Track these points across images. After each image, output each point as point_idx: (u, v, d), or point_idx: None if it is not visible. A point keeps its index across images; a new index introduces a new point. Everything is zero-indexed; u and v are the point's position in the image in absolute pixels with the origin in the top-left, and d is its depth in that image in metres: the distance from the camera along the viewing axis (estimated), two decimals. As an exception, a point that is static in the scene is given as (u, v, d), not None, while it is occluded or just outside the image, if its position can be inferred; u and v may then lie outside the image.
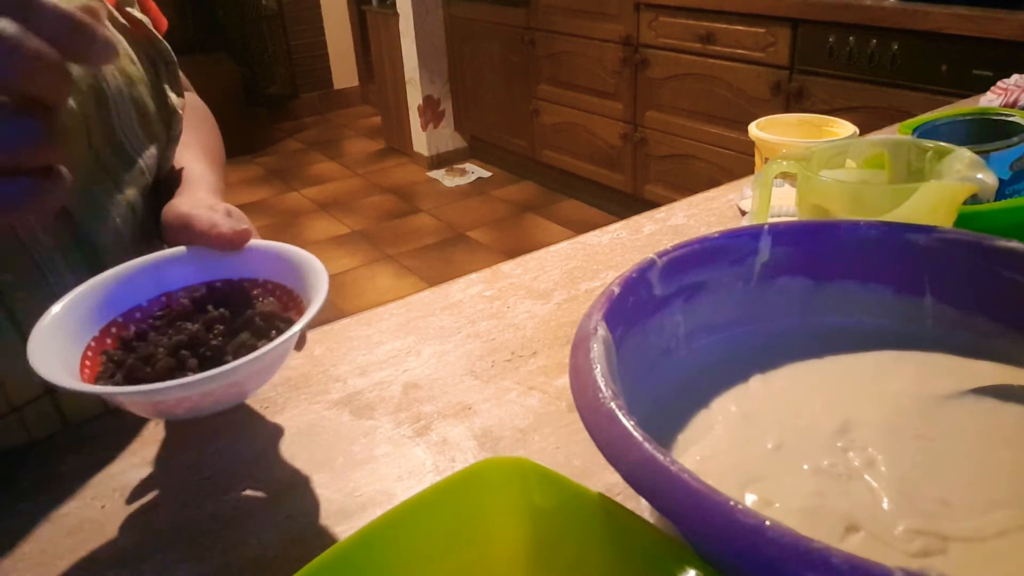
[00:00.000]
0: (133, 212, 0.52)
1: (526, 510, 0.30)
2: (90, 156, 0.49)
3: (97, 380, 0.38)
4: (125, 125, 0.52)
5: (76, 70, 0.47)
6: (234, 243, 0.44)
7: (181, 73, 0.65)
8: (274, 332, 0.40)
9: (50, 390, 0.50)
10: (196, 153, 0.60)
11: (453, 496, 0.30)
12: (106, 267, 0.50)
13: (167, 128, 0.56)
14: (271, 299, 0.43)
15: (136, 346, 0.40)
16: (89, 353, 0.40)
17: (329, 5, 4.52)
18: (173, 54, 0.56)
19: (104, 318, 0.42)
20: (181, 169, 0.56)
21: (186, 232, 0.45)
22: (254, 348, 0.39)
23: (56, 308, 0.40)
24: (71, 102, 0.47)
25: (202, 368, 0.38)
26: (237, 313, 0.42)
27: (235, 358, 0.37)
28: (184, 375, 0.37)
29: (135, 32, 0.54)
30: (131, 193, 0.52)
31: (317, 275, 0.41)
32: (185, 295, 0.44)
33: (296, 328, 0.37)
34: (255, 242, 0.45)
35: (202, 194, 0.51)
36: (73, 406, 0.52)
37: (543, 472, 0.30)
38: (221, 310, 0.42)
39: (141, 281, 0.44)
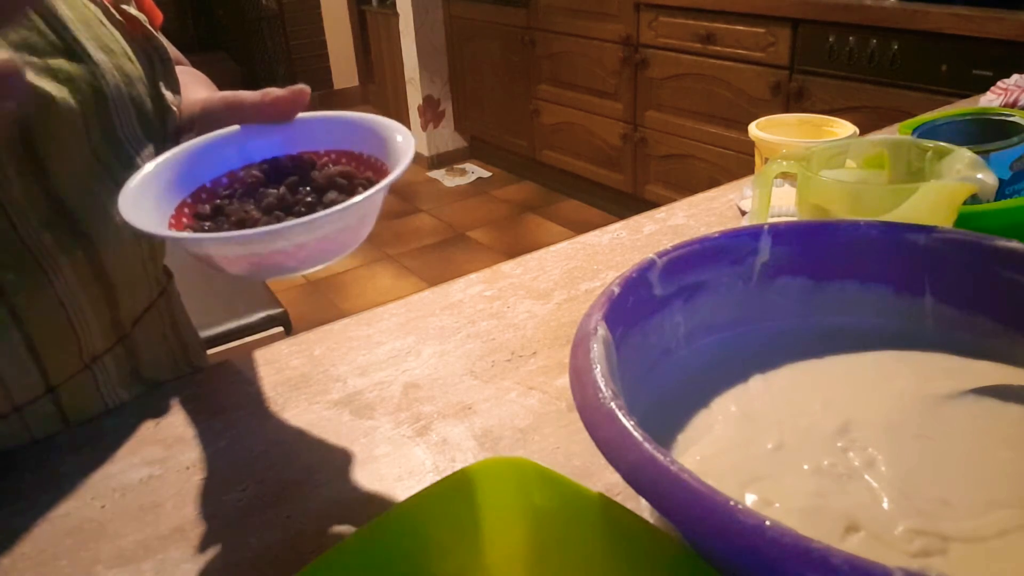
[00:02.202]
0: None
1: (526, 510, 0.30)
2: (90, 155, 0.49)
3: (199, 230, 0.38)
4: (124, 124, 0.52)
5: (76, 69, 0.47)
6: (295, 103, 0.42)
7: (178, 51, 0.65)
8: (360, 188, 0.40)
9: (51, 388, 0.50)
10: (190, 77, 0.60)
11: (453, 496, 0.30)
12: (106, 264, 0.50)
13: (163, 125, 0.56)
14: (342, 163, 0.43)
15: (228, 210, 0.40)
16: (173, 221, 0.40)
17: (329, 5, 4.52)
18: (168, 51, 0.56)
19: (177, 195, 0.41)
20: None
21: (236, 111, 0.44)
22: (345, 201, 0.38)
23: (143, 171, 0.40)
24: (70, 100, 0.47)
25: None
26: (313, 178, 0.41)
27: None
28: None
29: (131, 29, 0.54)
30: None
31: (389, 131, 0.41)
32: (248, 172, 0.43)
33: (394, 175, 0.36)
34: (309, 114, 0.44)
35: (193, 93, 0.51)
36: (73, 406, 0.52)
37: (543, 472, 0.30)
38: (294, 177, 0.41)
39: (201, 161, 0.43)
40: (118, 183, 0.52)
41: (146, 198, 0.39)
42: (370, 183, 0.40)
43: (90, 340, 0.52)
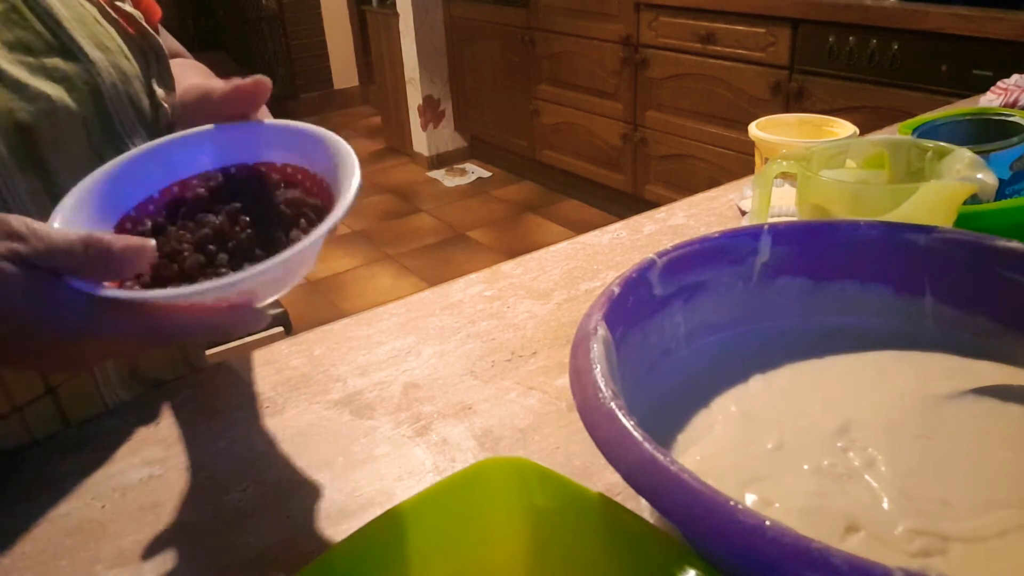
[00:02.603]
0: None
1: (526, 510, 0.30)
2: (91, 153, 0.49)
3: (123, 284, 0.36)
4: (124, 121, 0.52)
5: (72, 68, 0.47)
6: (255, 93, 0.43)
7: (179, 44, 0.65)
8: (303, 220, 0.38)
9: (51, 389, 0.50)
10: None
11: (453, 496, 0.30)
12: None
13: (155, 122, 0.56)
14: (293, 188, 0.41)
15: (160, 239, 0.37)
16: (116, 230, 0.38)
17: (329, 5, 4.52)
18: (164, 49, 0.56)
19: (116, 212, 0.40)
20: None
21: (205, 102, 0.45)
22: (283, 240, 0.37)
23: (67, 202, 0.37)
24: (67, 98, 0.47)
25: (232, 262, 0.36)
26: (259, 202, 0.39)
27: (266, 251, 0.35)
28: (215, 271, 0.36)
29: (127, 27, 0.54)
30: None
31: (342, 155, 0.39)
32: (200, 183, 0.41)
33: (329, 223, 0.34)
34: (271, 121, 0.43)
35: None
36: (73, 406, 0.52)
37: (543, 472, 0.30)
38: (237, 204, 0.39)
39: (151, 169, 0.41)
40: None
41: (83, 211, 0.37)
42: (315, 214, 0.38)
43: None
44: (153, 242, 0.34)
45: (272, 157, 0.42)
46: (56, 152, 0.47)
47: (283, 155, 0.42)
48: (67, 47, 0.47)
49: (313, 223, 0.38)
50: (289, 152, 0.42)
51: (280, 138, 0.42)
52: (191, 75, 0.59)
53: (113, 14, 0.53)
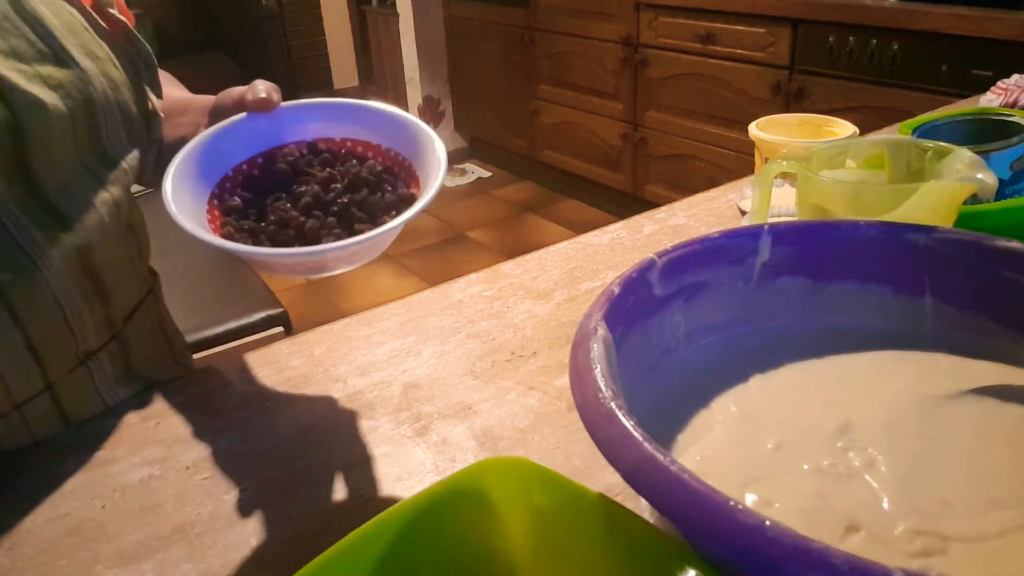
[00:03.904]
0: (118, 208, 0.53)
1: (526, 510, 0.30)
2: (76, 160, 0.49)
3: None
4: (111, 131, 0.52)
5: (66, 76, 0.47)
6: (265, 106, 0.46)
7: (168, 74, 0.65)
8: (387, 186, 0.43)
9: (49, 386, 0.50)
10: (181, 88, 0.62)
11: (453, 496, 0.30)
12: (96, 260, 0.51)
13: (148, 130, 0.56)
14: (359, 152, 0.46)
15: (267, 209, 0.42)
16: (209, 217, 0.42)
17: (329, 5, 4.51)
18: (152, 55, 0.56)
19: (214, 176, 0.44)
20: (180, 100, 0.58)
21: (238, 107, 0.48)
22: (379, 204, 0.42)
23: (172, 168, 0.41)
24: (61, 106, 0.47)
25: (341, 224, 0.41)
26: (347, 172, 0.44)
27: (362, 211, 0.41)
28: (330, 233, 0.40)
29: (115, 33, 0.53)
30: (115, 191, 0.52)
31: (417, 133, 0.45)
32: (288, 153, 0.46)
33: (436, 184, 0.40)
34: (315, 100, 0.47)
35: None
36: (72, 403, 0.52)
37: (543, 472, 0.30)
38: (328, 170, 0.44)
39: (217, 150, 0.45)
40: (102, 182, 0.52)
41: (183, 198, 0.41)
42: (397, 181, 0.44)
43: (85, 337, 0.52)
44: None
45: (329, 133, 0.47)
46: (44, 157, 0.47)
47: (341, 131, 0.47)
48: (59, 55, 0.47)
49: (396, 189, 0.43)
50: (360, 129, 0.47)
51: (354, 116, 0.47)
52: (167, 84, 0.60)
53: (101, 23, 0.52)
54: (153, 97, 0.56)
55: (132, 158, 0.54)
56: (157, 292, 0.65)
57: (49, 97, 0.46)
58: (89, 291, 0.51)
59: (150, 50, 0.56)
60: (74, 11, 0.50)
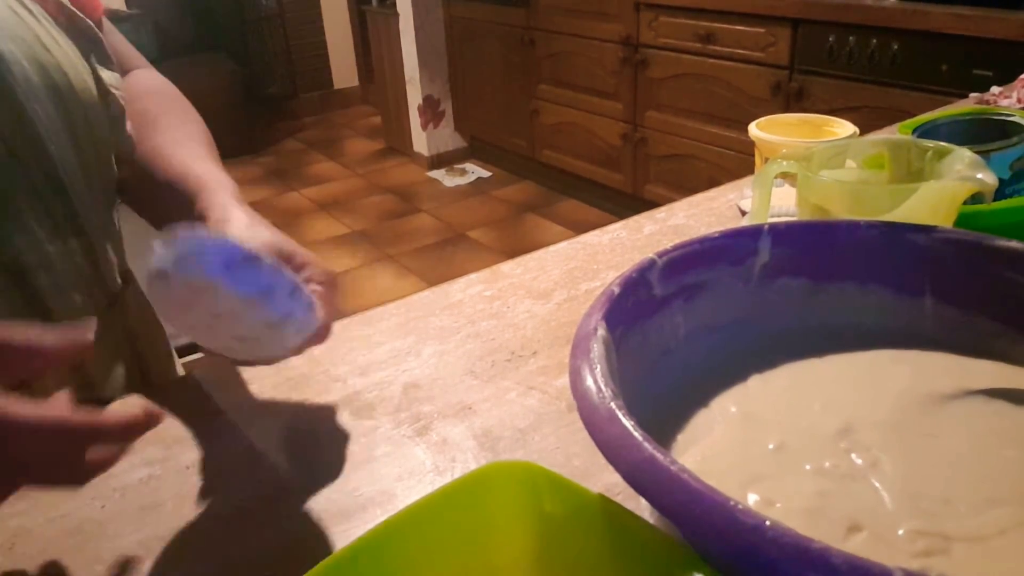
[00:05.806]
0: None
1: (533, 515, 0.30)
2: (2, 148, 0.46)
3: None
4: (40, 113, 0.48)
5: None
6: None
7: (136, 50, 0.63)
8: None
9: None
10: (195, 151, 0.55)
11: (459, 500, 0.30)
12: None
13: (106, 108, 0.53)
14: None
15: None
16: None
17: (329, 5, 4.51)
18: (98, 31, 0.54)
19: None
20: (190, 174, 0.51)
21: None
22: None
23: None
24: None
25: None
26: None
27: None
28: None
29: (57, 16, 0.51)
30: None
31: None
32: None
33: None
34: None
35: (237, 212, 0.47)
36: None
37: (552, 477, 0.29)
38: None
39: None
40: (30, 176, 0.48)
41: None
42: None
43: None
44: None
45: None
46: None
47: None
48: None
49: None
50: None
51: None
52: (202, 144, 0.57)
53: (33, 3, 0.50)
54: (106, 74, 0.53)
55: (66, 144, 0.50)
56: (125, 302, 0.59)
57: None
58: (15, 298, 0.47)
59: (94, 27, 0.53)
60: None
